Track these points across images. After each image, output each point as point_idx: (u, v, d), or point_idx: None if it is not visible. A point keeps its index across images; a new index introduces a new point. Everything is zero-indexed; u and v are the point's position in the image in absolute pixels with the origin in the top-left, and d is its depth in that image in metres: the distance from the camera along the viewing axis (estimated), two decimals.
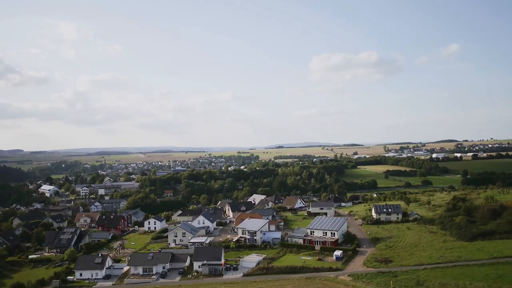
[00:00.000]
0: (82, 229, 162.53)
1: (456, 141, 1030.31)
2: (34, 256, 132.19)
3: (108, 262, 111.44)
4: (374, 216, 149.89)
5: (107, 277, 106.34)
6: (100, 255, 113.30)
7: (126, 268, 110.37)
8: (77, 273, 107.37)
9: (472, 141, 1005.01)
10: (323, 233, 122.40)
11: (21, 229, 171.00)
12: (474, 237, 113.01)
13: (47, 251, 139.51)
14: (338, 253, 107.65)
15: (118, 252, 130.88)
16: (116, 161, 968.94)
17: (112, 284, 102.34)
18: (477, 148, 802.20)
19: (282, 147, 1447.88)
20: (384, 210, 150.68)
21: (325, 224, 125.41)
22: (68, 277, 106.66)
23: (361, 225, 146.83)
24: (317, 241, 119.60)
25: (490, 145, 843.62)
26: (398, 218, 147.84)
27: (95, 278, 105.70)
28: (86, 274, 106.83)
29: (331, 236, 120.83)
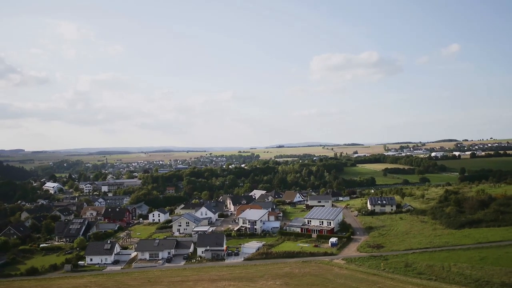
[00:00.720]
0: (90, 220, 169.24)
1: (456, 140, 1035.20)
2: (45, 244, 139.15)
3: (117, 248, 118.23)
4: (369, 208, 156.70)
5: (115, 262, 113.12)
6: (109, 242, 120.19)
7: (133, 254, 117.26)
8: (88, 258, 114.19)
9: (472, 140, 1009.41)
10: (320, 222, 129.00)
11: (30, 221, 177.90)
12: (462, 225, 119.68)
13: (56, 240, 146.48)
14: (333, 240, 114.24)
15: (125, 241, 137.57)
16: (117, 160, 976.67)
17: (121, 268, 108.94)
18: (476, 147, 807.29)
19: (282, 146, 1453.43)
20: (379, 202, 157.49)
21: (322, 214, 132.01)
22: (79, 262, 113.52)
23: (357, 216, 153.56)
24: (314, 230, 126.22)
25: (489, 145, 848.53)
26: (392, 209, 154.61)
27: (105, 263, 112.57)
28: (96, 260, 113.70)
29: (327, 225, 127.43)
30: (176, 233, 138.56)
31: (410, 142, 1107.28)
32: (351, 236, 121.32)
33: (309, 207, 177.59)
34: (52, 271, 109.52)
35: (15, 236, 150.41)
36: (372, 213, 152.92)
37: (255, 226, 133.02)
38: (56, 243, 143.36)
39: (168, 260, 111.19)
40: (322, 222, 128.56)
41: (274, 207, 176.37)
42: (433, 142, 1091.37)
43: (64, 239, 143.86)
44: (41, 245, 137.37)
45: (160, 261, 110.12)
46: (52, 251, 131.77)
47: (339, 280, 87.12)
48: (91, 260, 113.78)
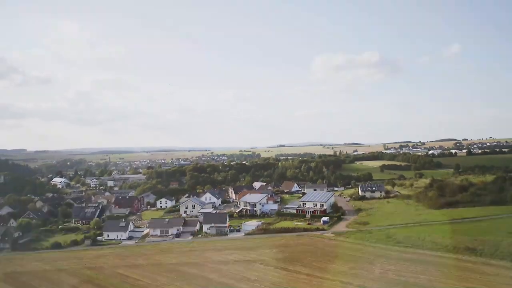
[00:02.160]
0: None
1: (455, 140, 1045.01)
2: (64, 226, 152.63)
3: (131, 226, 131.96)
4: (360, 194, 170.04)
5: (130, 238, 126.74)
6: (124, 220, 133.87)
7: (146, 231, 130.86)
8: (105, 234, 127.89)
9: (471, 140, 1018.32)
10: (314, 204, 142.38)
11: (46, 208, 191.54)
12: (441, 206, 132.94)
13: (73, 223, 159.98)
14: (325, 218, 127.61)
15: (136, 223, 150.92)
16: (120, 159, 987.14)
17: (135, 242, 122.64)
18: (475, 146, 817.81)
19: (283, 146, 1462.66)
20: (369, 188, 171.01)
21: (316, 197, 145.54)
22: (98, 237, 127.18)
23: (348, 201, 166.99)
24: (308, 211, 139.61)
25: (488, 144, 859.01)
26: (381, 195, 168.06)
27: (120, 238, 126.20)
28: (113, 235, 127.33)
29: (320, 206, 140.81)
30: (183, 215, 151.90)
31: (410, 142, 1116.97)
32: (342, 216, 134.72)
33: None
34: (73, 246, 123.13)
35: (34, 220, 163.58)
36: (362, 198, 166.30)
37: (255, 208, 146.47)
38: (73, 225, 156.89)
39: (177, 235, 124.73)
40: (316, 204, 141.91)
41: (272, 194, 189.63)
42: (433, 141, 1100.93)
43: (80, 221, 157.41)
44: (60, 227, 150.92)
45: (170, 236, 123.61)
46: (71, 231, 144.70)
47: (328, 248, 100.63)
48: (108, 236, 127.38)
